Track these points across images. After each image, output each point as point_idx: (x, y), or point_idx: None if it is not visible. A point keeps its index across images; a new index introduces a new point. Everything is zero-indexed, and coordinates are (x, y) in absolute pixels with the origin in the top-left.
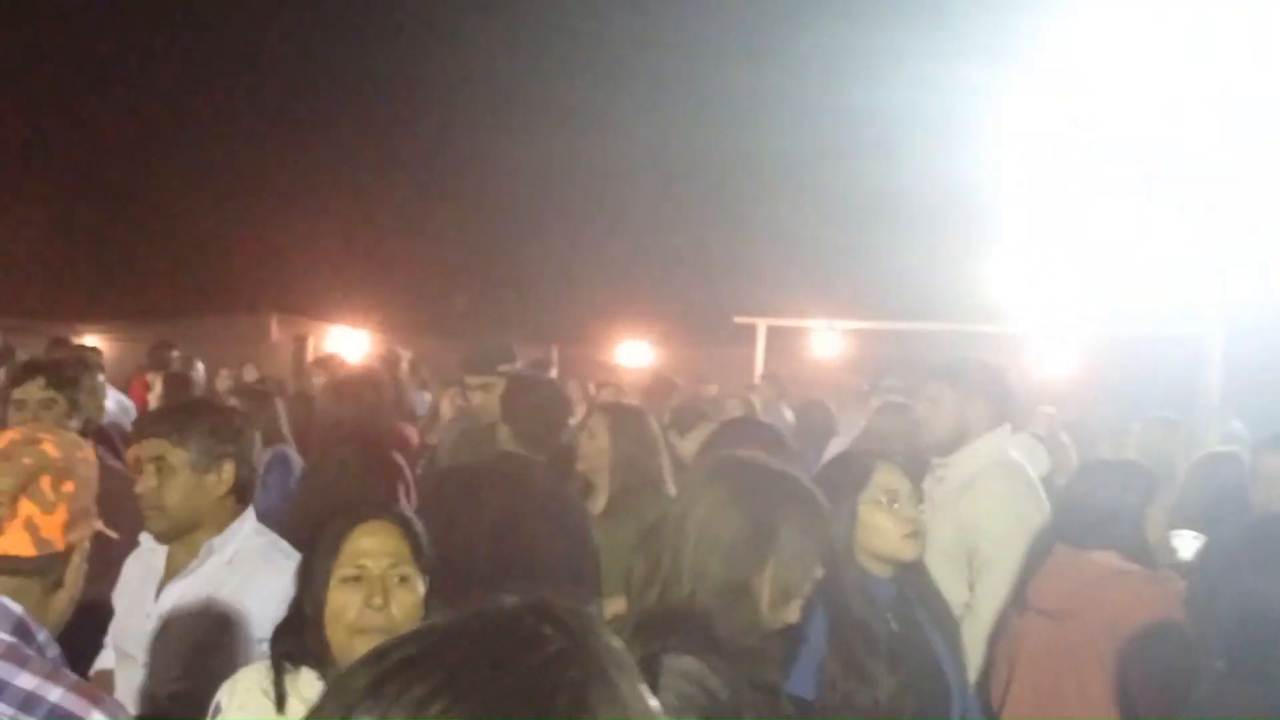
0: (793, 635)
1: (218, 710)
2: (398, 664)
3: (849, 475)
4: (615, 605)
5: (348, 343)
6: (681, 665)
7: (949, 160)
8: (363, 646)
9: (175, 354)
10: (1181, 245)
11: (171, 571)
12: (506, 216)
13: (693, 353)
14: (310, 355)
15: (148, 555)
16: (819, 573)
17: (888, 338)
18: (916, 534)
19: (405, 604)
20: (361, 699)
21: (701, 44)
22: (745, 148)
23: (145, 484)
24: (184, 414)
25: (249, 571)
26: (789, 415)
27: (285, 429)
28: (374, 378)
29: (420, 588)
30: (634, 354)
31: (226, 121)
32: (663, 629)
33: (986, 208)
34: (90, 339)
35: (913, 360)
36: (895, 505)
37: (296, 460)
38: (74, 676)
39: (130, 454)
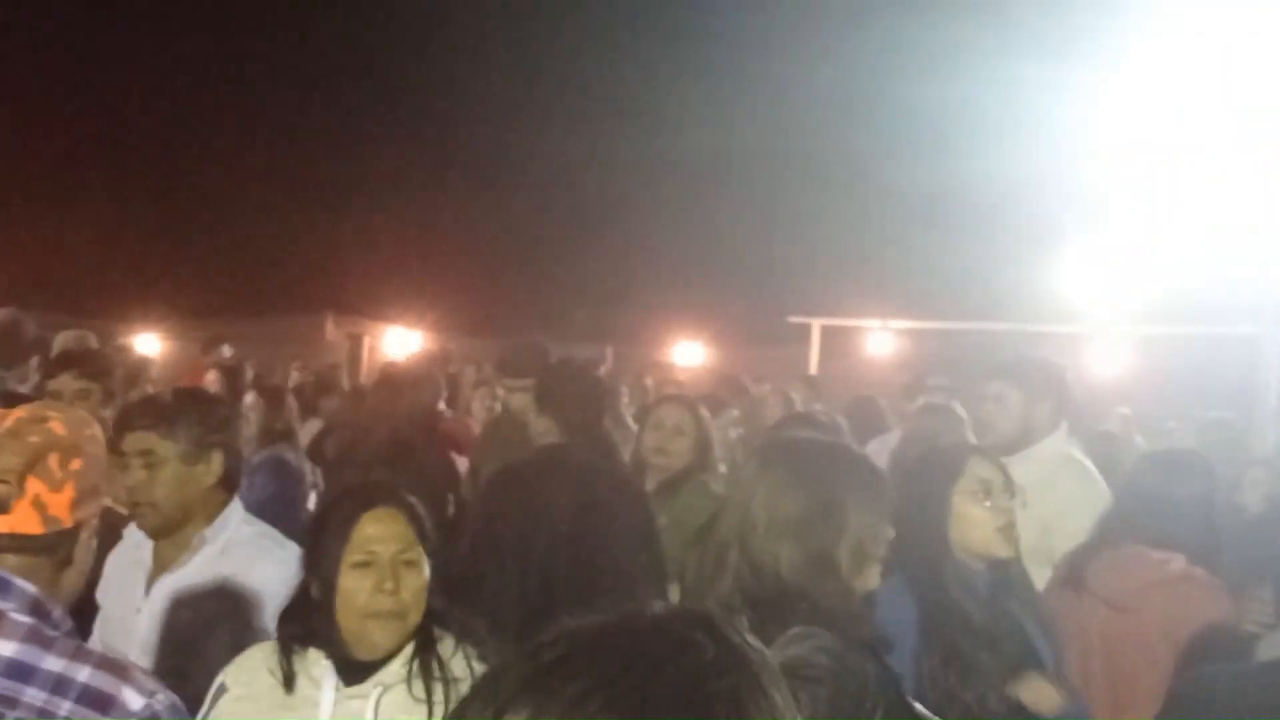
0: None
1: (223, 690)
2: (554, 661)
3: (943, 466)
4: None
5: (402, 342)
6: (809, 638)
7: (1005, 160)
8: (374, 628)
9: (227, 351)
10: (1239, 243)
11: (161, 566)
12: (562, 217)
13: (748, 352)
14: (365, 354)
15: (132, 550)
16: (890, 533)
17: (943, 337)
18: (1009, 527)
19: (413, 587)
20: (517, 693)
21: (757, 42)
22: (802, 147)
23: (133, 479)
24: (171, 404)
25: (244, 561)
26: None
27: (294, 428)
28: (428, 376)
29: (426, 570)
30: (689, 354)
31: (282, 122)
32: (764, 612)
33: (1044, 207)
34: (146, 338)
35: (968, 360)
36: (989, 498)
37: (294, 465)
38: (97, 652)
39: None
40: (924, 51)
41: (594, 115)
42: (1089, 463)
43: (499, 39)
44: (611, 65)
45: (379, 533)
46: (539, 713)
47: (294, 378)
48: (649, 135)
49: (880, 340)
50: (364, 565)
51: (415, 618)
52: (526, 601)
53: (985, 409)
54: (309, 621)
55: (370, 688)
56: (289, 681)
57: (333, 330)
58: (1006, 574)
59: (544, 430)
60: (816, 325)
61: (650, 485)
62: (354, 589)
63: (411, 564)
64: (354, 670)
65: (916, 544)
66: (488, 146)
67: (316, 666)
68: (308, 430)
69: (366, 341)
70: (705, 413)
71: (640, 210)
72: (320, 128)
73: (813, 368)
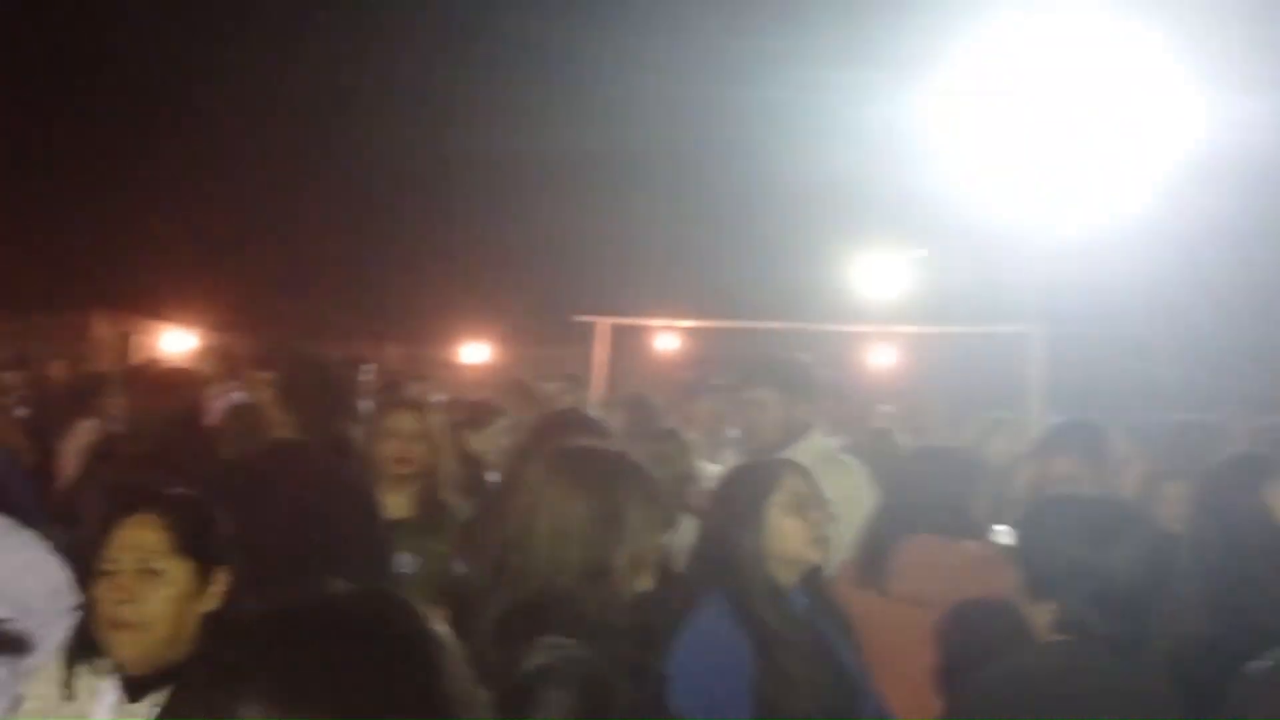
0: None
1: (21, 699)
2: (249, 655)
3: (758, 481)
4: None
5: (177, 341)
6: (559, 648)
7: (790, 163)
8: (114, 640)
9: None
10: (1010, 247)
11: None
12: (349, 214)
13: (536, 351)
14: (134, 354)
15: None
16: (664, 539)
17: (731, 336)
18: (824, 538)
19: (156, 598)
20: (215, 686)
21: (548, 39)
22: (592, 146)
23: None
24: None
25: None
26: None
27: None
28: (193, 376)
29: (179, 579)
30: (475, 353)
31: (43, 102)
32: (533, 618)
33: (828, 209)
34: None
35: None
36: (804, 510)
37: (15, 468)
38: None
39: None
40: (716, 52)
41: (379, 110)
42: (851, 459)
43: (282, 26)
44: (397, 59)
45: (124, 540)
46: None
47: (59, 375)
48: (436, 131)
49: (669, 339)
50: (107, 574)
51: (165, 631)
52: (252, 593)
53: (747, 414)
54: (87, 630)
55: (146, 707)
56: (68, 692)
57: (100, 327)
58: (816, 588)
59: (281, 424)
60: (603, 324)
61: (395, 496)
62: (97, 598)
63: (155, 574)
64: (138, 686)
65: (734, 557)
66: (269, 136)
67: (102, 679)
68: (85, 430)
69: (138, 340)
70: (436, 415)
71: (427, 208)
72: (86, 112)
73: (599, 367)
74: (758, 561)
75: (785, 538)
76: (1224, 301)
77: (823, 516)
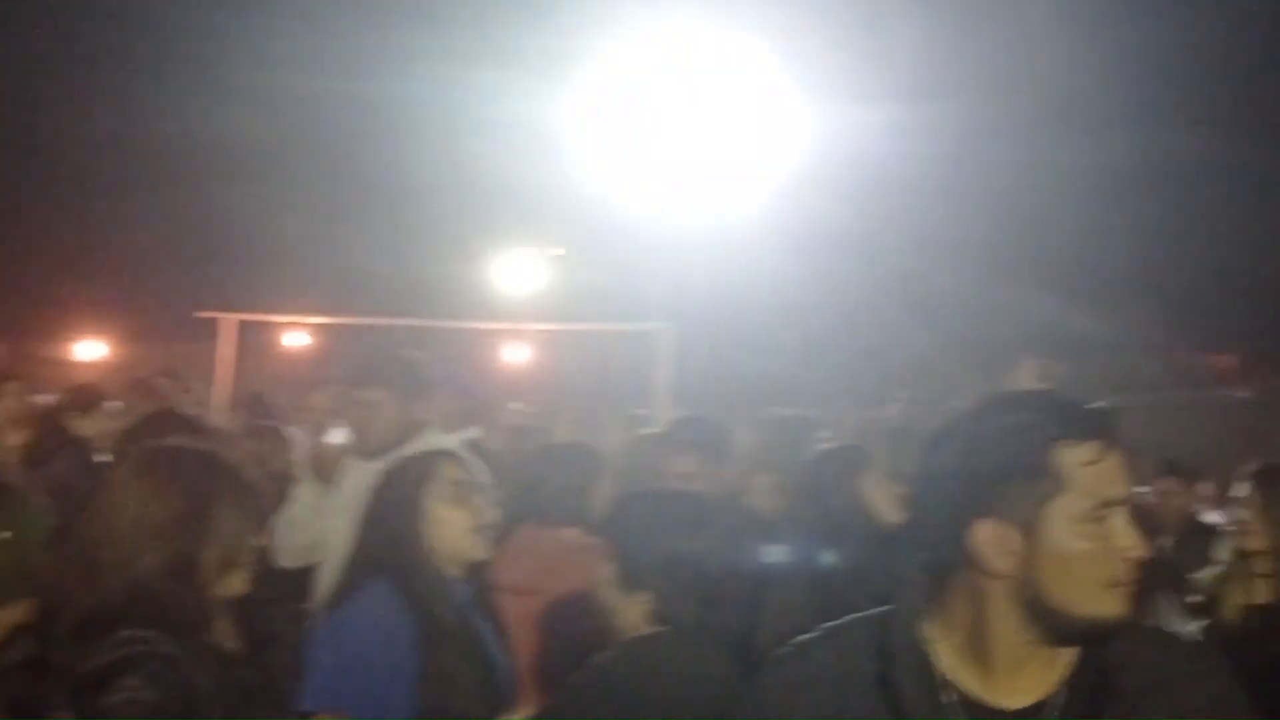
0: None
1: None
2: None
3: (413, 472)
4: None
5: None
6: (137, 640)
7: (429, 157)
8: None
9: None
10: (641, 245)
11: None
12: None
13: (163, 348)
14: None
15: None
16: (256, 542)
17: (365, 333)
18: (485, 529)
19: None
20: None
21: (171, 19)
22: (219, 137)
23: None
24: None
25: None
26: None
27: None
28: None
29: None
30: (92, 350)
31: None
32: (115, 614)
33: (467, 205)
34: None
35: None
36: (463, 500)
37: None
38: None
39: None
40: (349, 44)
41: None
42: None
43: None
44: (13, 36)
45: None
46: None
47: None
48: (50, 114)
49: (299, 336)
50: None
51: None
52: None
53: (358, 414)
54: None
55: None
56: None
57: None
58: (478, 583)
59: None
60: (229, 320)
61: None
62: None
63: None
64: None
65: (397, 552)
66: None
67: None
68: None
69: None
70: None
71: (37, 195)
72: None
73: (224, 364)
74: (422, 552)
75: (446, 527)
76: (841, 302)
77: (483, 507)
